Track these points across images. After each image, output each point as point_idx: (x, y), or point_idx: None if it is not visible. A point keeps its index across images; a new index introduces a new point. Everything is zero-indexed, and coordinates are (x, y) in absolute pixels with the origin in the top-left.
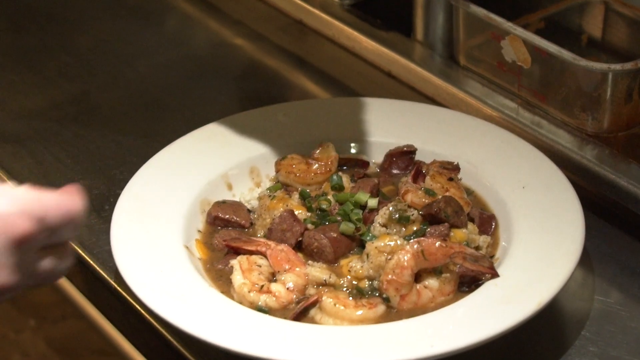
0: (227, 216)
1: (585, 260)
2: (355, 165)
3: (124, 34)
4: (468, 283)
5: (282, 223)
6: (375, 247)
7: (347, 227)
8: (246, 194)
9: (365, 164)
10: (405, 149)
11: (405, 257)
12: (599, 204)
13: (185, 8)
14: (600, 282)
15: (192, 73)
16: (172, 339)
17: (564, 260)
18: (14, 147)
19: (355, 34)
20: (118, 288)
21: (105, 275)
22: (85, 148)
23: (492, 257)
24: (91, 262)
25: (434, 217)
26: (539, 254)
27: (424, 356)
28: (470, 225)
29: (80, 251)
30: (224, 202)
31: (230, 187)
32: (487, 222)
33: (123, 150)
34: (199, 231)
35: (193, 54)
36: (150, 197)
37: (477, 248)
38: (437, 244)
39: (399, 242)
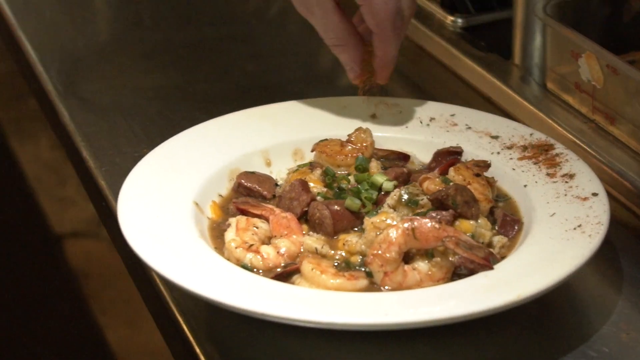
0: (250, 184)
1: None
2: (396, 159)
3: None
4: (465, 276)
5: (291, 191)
6: (372, 223)
7: (353, 202)
8: (282, 171)
9: (406, 157)
10: (451, 149)
11: (394, 233)
12: None
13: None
14: None
15: (307, 77)
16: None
17: (564, 265)
18: (99, 114)
19: (456, 52)
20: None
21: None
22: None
23: (503, 257)
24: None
25: (441, 204)
26: (543, 255)
27: (374, 322)
28: (483, 220)
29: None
30: (252, 172)
31: (269, 163)
32: (509, 224)
33: None
34: (220, 195)
35: (310, 62)
36: (178, 155)
37: (489, 245)
38: (430, 224)
39: (395, 220)
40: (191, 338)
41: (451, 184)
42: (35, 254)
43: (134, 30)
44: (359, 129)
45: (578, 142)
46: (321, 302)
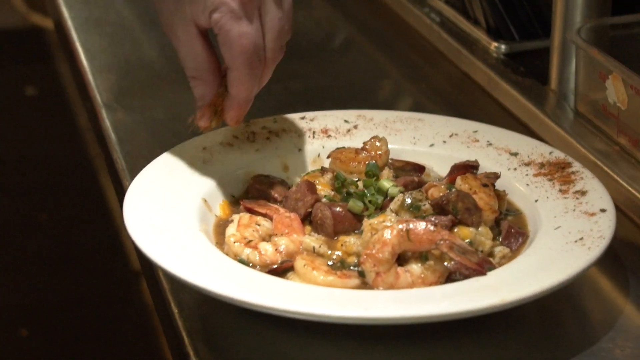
0: (262, 187)
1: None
2: (411, 170)
3: None
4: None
5: (297, 192)
6: (370, 224)
7: (355, 204)
8: (299, 178)
9: (421, 169)
10: (468, 162)
11: (388, 233)
12: None
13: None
14: None
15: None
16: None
17: (556, 274)
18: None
19: (494, 76)
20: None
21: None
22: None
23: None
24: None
25: (442, 209)
26: (538, 265)
27: (352, 315)
28: (484, 229)
29: None
30: (267, 176)
31: (286, 168)
32: (514, 236)
33: None
34: (233, 196)
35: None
36: (196, 155)
37: (490, 255)
38: (425, 226)
39: (393, 222)
40: (183, 333)
41: (454, 190)
42: (114, 288)
43: None
44: (374, 137)
45: (601, 164)
46: (304, 295)
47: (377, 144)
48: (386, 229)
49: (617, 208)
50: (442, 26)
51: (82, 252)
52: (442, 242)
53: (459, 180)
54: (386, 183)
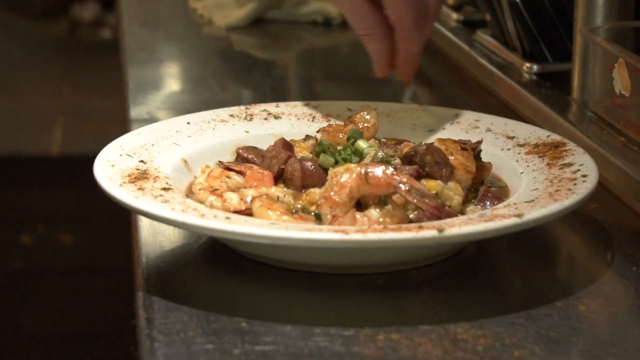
0: (248, 155)
1: None
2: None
3: None
4: None
5: (272, 150)
6: (334, 172)
7: (326, 159)
8: None
9: None
10: (460, 141)
11: (347, 176)
12: None
13: None
14: None
15: None
16: None
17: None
18: None
19: (517, 87)
20: None
21: None
22: None
23: None
24: None
25: (410, 162)
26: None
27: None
28: (453, 184)
29: None
30: (255, 147)
31: None
32: (490, 199)
33: None
34: (220, 161)
35: None
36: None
37: (461, 213)
38: (383, 169)
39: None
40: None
41: (424, 143)
42: None
43: None
44: (364, 109)
45: (607, 154)
46: (258, 224)
47: (367, 116)
48: (345, 172)
49: (621, 199)
50: (485, 57)
51: None
52: (400, 185)
53: (436, 142)
54: (363, 144)
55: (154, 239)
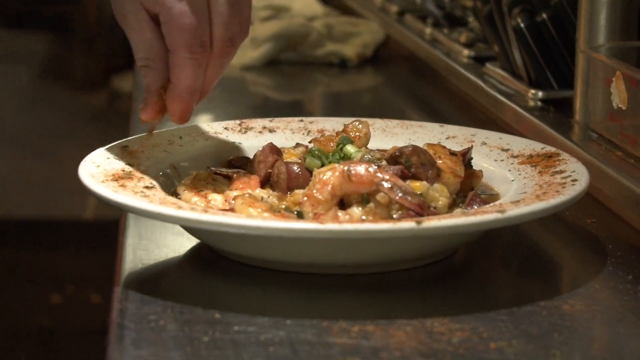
0: (239, 163)
1: None
2: None
3: None
4: None
5: (260, 155)
6: (318, 172)
7: (312, 162)
8: None
9: None
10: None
11: (329, 174)
12: None
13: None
14: None
15: None
16: None
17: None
18: None
19: (521, 112)
20: None
21: None
22: None
23: None
24: None
25: (396, 163)
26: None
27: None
28: (439, 186)
29: None
30: (247, 157)
31: None
32: (478, 203)
33: None
34: (208, 167)
35: None
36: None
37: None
38: (366, 166)
39: None
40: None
41: (410, 145)
42: None
43: None
44: (357, 120)
45: (605, 168)
46: (240, 218)
47: (359, 126)
48: (328, 170)
49: (617, 214)
50: (492, 87)
51: None
52: (383, 182)
53: (424, 146)
54: (351, 148)
55: (139, 242)
